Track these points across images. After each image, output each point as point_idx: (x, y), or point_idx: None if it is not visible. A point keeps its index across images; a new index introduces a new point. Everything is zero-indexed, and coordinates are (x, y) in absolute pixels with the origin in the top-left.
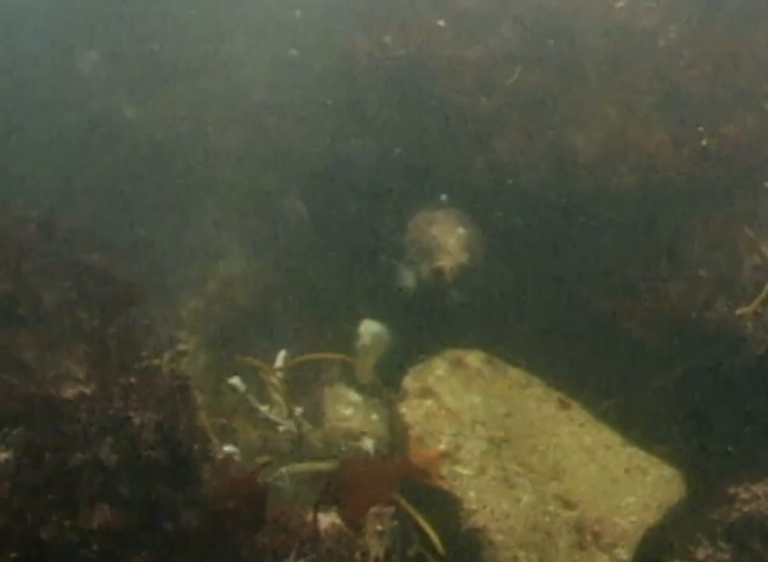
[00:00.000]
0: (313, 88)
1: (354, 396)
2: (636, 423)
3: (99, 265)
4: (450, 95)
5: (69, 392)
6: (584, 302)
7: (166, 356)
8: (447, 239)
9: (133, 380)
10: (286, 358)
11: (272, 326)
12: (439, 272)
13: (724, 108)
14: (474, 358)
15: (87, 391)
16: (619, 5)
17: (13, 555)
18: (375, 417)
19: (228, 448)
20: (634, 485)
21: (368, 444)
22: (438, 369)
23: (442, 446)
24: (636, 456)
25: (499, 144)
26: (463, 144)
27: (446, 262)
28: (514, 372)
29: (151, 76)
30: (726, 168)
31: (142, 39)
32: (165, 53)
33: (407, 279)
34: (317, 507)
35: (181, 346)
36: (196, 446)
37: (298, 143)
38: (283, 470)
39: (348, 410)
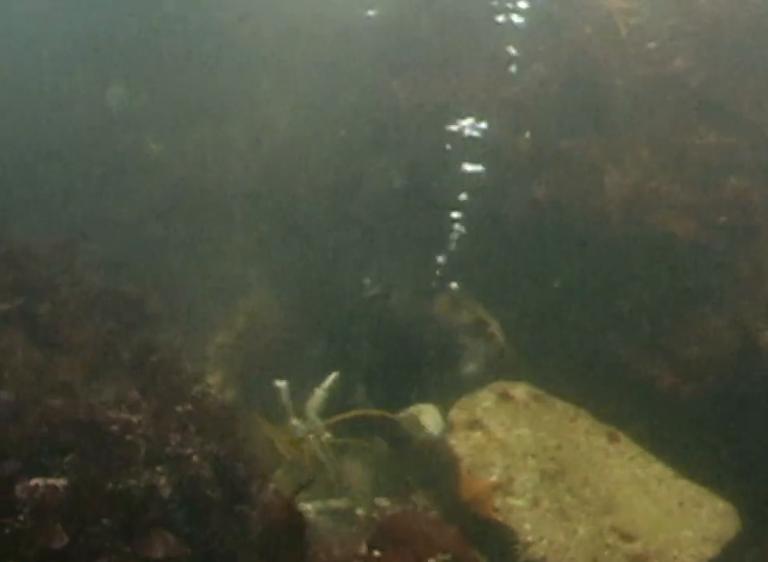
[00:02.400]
0: (340, 126)
1: None
2: (687, 456)
3: (134, 296)
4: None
5: (120, 418)
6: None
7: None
8: None
9: (189, 407)
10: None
11: (297, 361)
12: None
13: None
14: (521, 391)
15: (138, 418)
16: (651, 45)
17: None
18: None
19: None
20: (689, 518)
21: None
22: (485, 401)
23: (494, 478)
24: (688, 489)
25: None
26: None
27: None
28: (562, 405)
29: (178, 112)
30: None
31: (171, 76)
32: (193, 89)
33: None
34: (370, 545)
35: (209, 380)
36: (251, 479)
37: (320, 181)
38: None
39: None
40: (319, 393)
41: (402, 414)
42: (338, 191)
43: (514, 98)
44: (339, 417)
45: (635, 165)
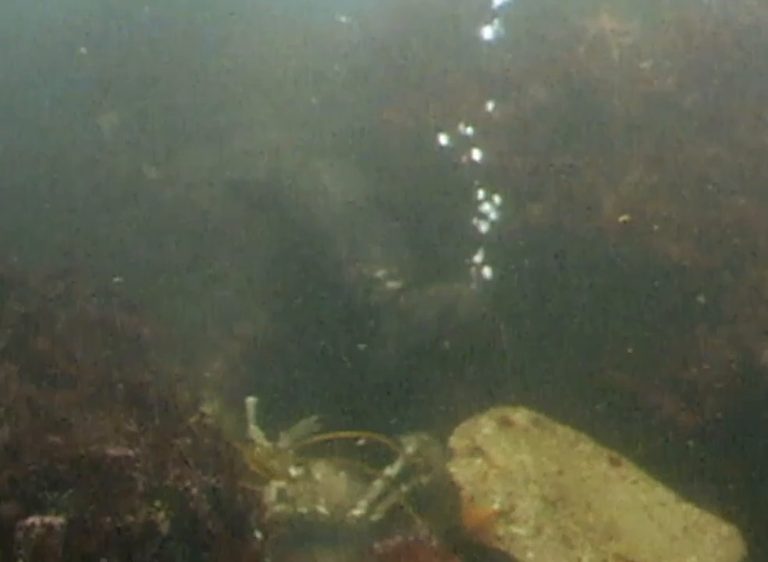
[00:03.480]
0: (336, 150)
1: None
2: (690, 479)
3: (128, 325)
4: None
5: (118, 452)
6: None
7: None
8: None
9: (187, 441)
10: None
11: (295, 387)
12: None
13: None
14: (520, 416)
15: (137, 452)
16: (644, 65)
17: None
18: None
19: None
20: (694, 543)
21: None
22: (485, 427)
23: (496, 506)
24: (692, 513)
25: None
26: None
27: None
28: (562, 430)
29: (172, 138)
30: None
31: (163, 101)
32: (187, 114)
33: None
34: None
35: (206, 408)
36: (249, 512)
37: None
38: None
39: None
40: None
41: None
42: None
43: (509, 119)
44: (319, 438)
45: (632, 185)
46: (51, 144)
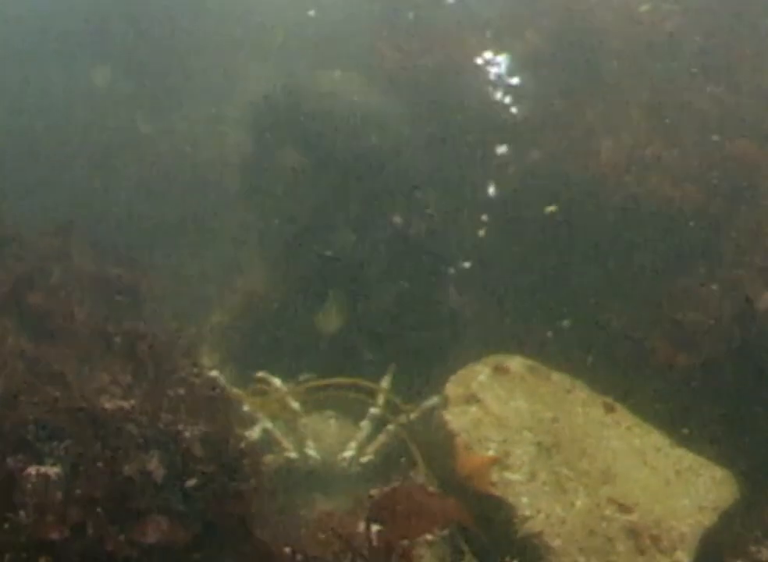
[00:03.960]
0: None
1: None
2: (684, 424)
3: (125, 280)
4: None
5: (113, 404)
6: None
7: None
8: None
9: (180, 391)
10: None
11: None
12: None
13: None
14: (516, 363)
15: (131, 403)
16: (643, 8)
17: None
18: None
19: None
20: (687, 487)
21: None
22: (480, 375)
23: (490, 453)
24: (686, 457)
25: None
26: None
27: None
28: (557, 377)
29: (166, 91)
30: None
31: (157, 54)
32: (181, 67)
33: None
34: (369, 520)
35: (205, 360)
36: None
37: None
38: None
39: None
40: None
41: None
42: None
43: (506, 65)
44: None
45: (630, 129)
46: (43, 98)
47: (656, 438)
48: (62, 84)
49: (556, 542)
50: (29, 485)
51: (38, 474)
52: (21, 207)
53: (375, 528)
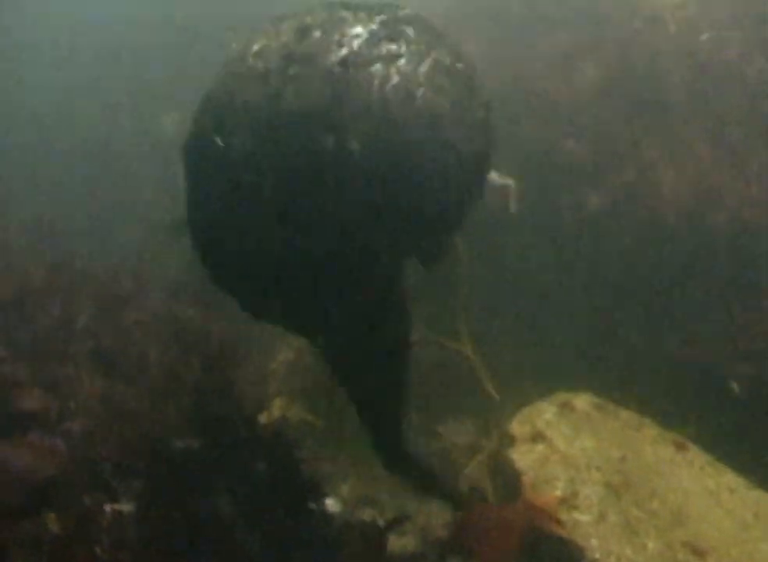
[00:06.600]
0: None
1: None
2: (760, 465)
3: (195, 320)
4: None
5: (183, 443)
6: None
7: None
8: None
9: (243, 433)
10: None
11: None
12: None
13: None
14: (582, 401)
15: (199, 443)
16: (704, 37)
17: None
18: None
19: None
20: (765, 530)
21: None
22: (546, 413)
23: (558, 492)
24: (763, 500)
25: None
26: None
27: None
28: (625, 414)
29: None
30: None
31: None
32: None
33: None
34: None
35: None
36: (310, 498)
37: None
38: None
39: None
40: None
41: None
42: None
43: (564, 99)
44: None
45: (694, 162)
46: (117, 142)
47: (730, 478)
48: (132, 128)
49: None
50: (104, 522)
51: (113, 511)
52: (96, 246)
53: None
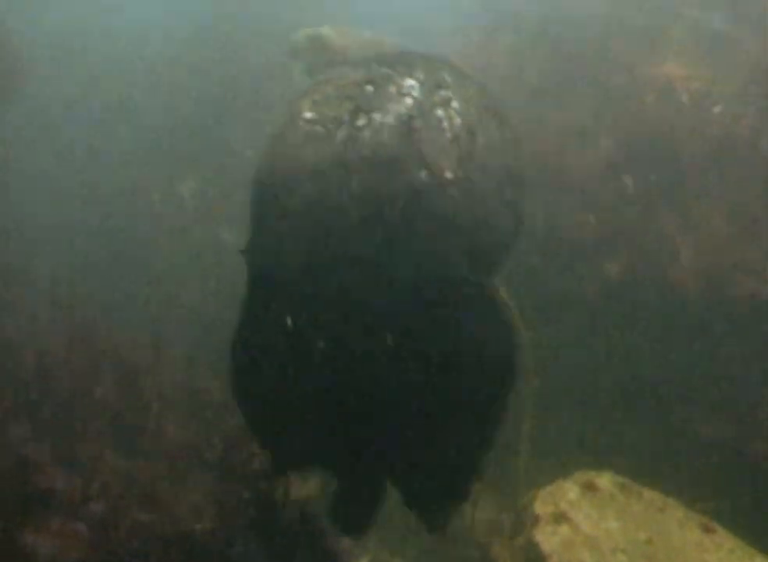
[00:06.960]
0: None
1: None
2: None
3: (215, 393)
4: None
5: (203, 527)
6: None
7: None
8: None
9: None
10: None
11: None
12: None
13: None
14: (605, 481)
15: (219, 525)
16: (717, 109)
17: None
18: None
19: None
20: None
21: None
22: (569, 493)
23: None
24: None
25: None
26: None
27: None
28: (649, 494)
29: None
30: None
31: (240, 166)
32: None
33: None
34: None
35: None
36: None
37: None
38: None
39: None
40: None
41: None
42: None
43: (577, 175)
44: None
45: (711, 235)
46: (136, 212)
47: None
48: (149, 195)
49: None
50: None
51: None
52: (108, 313)
53: None
